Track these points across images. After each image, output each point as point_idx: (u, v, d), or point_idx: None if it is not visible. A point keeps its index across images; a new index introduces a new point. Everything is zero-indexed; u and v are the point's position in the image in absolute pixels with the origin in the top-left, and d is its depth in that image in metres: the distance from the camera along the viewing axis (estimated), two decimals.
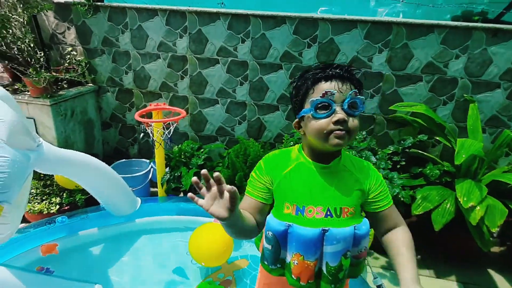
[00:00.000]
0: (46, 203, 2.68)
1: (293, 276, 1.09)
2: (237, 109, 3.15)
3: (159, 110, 2.72)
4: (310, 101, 1.01)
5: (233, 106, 3.15)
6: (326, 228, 1.05)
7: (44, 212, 2.64)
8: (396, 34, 2.67)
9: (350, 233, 1.06)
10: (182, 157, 2.97)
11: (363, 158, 2.52)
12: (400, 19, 2.64)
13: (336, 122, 0.98)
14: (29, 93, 2.82)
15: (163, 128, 2.62)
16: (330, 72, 1.02)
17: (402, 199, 2.31)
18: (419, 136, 2.64)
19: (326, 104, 0.99)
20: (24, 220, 2.76)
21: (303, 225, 1.05)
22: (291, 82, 1.14)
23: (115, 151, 3.57)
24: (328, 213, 1.07)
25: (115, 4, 3.04)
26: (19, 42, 2.77)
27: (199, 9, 2.90)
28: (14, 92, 2.88)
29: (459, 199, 2.17)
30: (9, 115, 1.65)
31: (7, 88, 2.91)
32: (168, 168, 2.88)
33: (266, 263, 1.15)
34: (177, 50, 3.06)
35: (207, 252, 2.09)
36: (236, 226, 0.98)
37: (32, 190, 2.75)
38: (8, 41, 2.72)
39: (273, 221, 1.08)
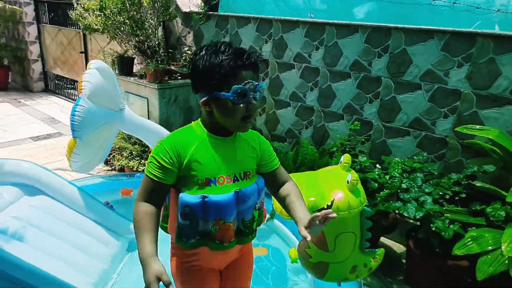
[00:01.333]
0: (137, 162, 3.41)
1: (216, 241, 1.20)
2: (305, 113, 3.27)
3: None
4: (232, 88, 1.07)
5: (302, 110, 3.28)
6: (238, 190, 1.18)
7: (134, 168, 3.38)
8: (480, 47, 2.32)
9: (255, 188, 1.24)
10: None
11: (406, 180, 2.30)
12: (487, 31, 2.29)
13: (249, 110, 1.12)
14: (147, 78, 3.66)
15: None
16: (247, 61, 1.09)
17: (435, 229, 2.00)
18: (484, 167, 2.20)
19: (245, 92, 1.09)
20: (121, 170, 3.61)
21: (217, 193, 1.15)
22: (194, 54, 1.16)
23: None
24: (235, 178, 1.20)
25: (221, 13, 3.63)
26: (148, 40, 3.64)
27: (282, 18, 3.18)
28: (140, 77, 3.78)
29: (502, 245, 1.75)
30: (96, 80, 2.30)
31: (136, 74, 3.84)
32: None
33: (184, 239, 1.20)
34: (262, 54, 3.41)
35: None
36: None
37: (133, 152, 3.54)
38: (142, 39, 3.61)
39: (188, 197, 1.14)
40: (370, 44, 2.76)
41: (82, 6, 3.49)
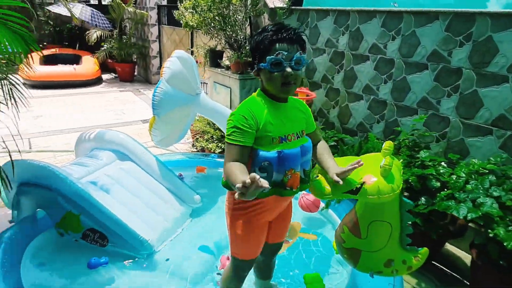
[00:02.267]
0: (215, 145, 3.78)
1: (287, 188, 1.42)
2: (377, 107, 3.14)
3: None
4: (267, 58, 1.31)
5: (375, 103, 3.16)
6: (302, 145, 1.45)
7: (212, 150, 3.75)
8: None
9: (310, 144, 1.51)
10: None
11: (473, 181, 2.06)
12: None
13: (285, 77, 1.32)
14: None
15: None
16: (282, 36, 1.31)
17: (493, 235, 1.76)
18: None
19: (279, 62, 1.31)
20: (201, 151, 4.02)
21: (289, 148, 1.39)
22: (252, 36, 1.44)
23: None
24: (297, 135, 1.46)
25: (302, 7, 3.72)
26: (235, 35, 3.96)
27: (360, 8, 3.12)
28: (227, 69, 4.14)
29: None
30: (175, 67, 2.68)
31: (223, 66, 4.22)
32: None
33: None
34: (338, 46, 3.40)
35: None
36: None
37: (214, 136, 3.92)
38: (230, 34, 3.95)
39: (266, 153, 1.35)
40: (450, 32, 2.52)
41: (184, 6, 4.01)
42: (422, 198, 2.20)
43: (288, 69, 1.32)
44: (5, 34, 1.51)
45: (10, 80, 1.96)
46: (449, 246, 2.61)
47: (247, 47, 4.04)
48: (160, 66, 8.21)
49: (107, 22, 8.42)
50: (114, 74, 9.06)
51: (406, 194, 2.35)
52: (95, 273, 2.08)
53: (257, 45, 1.36)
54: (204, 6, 3.59)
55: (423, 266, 1.77)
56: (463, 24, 2.44)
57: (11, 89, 1.87)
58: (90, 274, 2.07)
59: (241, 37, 4.00)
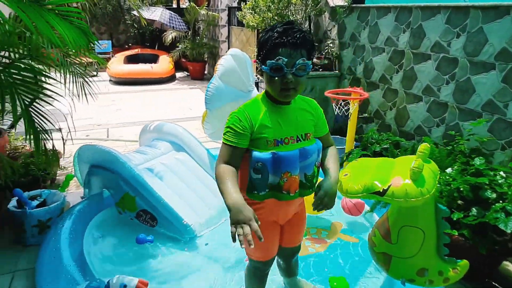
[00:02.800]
0: None
1: (283, 191, 1.38)
2: (438, 109, 2.93)
3: (344, 91, 3.14)
4: (267, 62, 1.26)
5: (435, 105, 2.95)
6: (301, 148, 1.37)
7: None
8: None
9: (315, 147, 1.42)
10: (367, 141, 3.22)
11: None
12: None
13: (285, 83, 1.27)
14: None
15: (341, 105, 3.05)
16: (286, 39, 1.24)
17: None
18: None
19: (279, 67, 1.24)
20: None
21: (285, 150, 1.34)
22: (259, 36, 1.37)
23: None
24: (298, 139, 1.39)
25: (363, 5, 3.62)
26: None
27: (423, 4, 2.94)
28: None
29: None
30: (228, 64, 2.82)
31: None
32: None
33: (255, 192, 1.39)
34: (398, 44, 3.24)
35: None
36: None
37: None
38: None
39: (260, 154, 1.33)
40: None
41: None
42: (473, 209, 2.02)
43: (289, 76, 1.25)
44: (69, 29, 1.71)
45: (84, 78, 2.28)
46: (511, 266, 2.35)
47: None
48: None
49: (183, 24, 9.04)
50: (186, 73, 9.69)
51: (459, 202, 2.18)
52: (143, 248, 2.31)
53: (262, 45, 1.31)
54: (263, 6, 3.70)
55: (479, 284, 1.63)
56: None
57: (83, 84, 2.15)
58: (138, 249, 2.31)
59: None
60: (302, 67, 1.27)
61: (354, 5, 3.74)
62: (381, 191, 1.56)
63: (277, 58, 1.24)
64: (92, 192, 2.76)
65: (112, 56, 8.89)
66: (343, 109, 3.16)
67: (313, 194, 1.46)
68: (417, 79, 3.10)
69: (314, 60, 4.15)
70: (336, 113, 3.21)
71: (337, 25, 4.05)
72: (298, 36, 1.25)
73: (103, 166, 2.65)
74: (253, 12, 3.82)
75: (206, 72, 9.42)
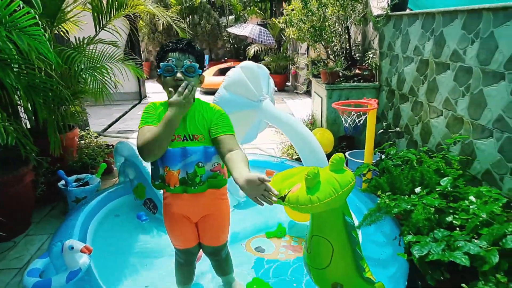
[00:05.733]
0: (293, 151, 3.93)
1: (166, 184, 1.58)
2: (455, 125, 2.60)
3: (356, 102, 3.02)
4: (161, 65, 1.51)
5: (452, 120, 2.62)
6: (183, 147, 1.54)
7: (289, 156, 3.92)
8: None
9: (200, 149, 1.54)
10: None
11: None
12: None
13: (175, 80, 1.49)
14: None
15: (353, 117, 2.95)
16: (175, 46, 1.51)
17: None
18: None
19: (170, 68, 1.49)
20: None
21: (169, 147, 1.51)
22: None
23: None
24: (185, 138, 1.55)
25: (396, 13, 3.40)
26: (331, 45, 3.99)
27: (443, 9, 2.66)
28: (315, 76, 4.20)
29: None
30: (235, 75, 3.07)
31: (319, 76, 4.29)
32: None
33: (153, 180, 1.63)
34: (424, 53, 2.97)
35: None
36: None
37: None
38: (324, 44, 4.02)
39: None
40: None
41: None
42: (431, 233, 1.80)
43: (178, 74, 1.47)
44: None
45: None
46: None
47: (343, 57, 4.00)
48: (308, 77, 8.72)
49: (271, 38, 9.56)
50: None
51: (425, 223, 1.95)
52: (141, 227, 2.78)
53: (158, 54, 1.57)
54: (295, 19, 3.82)
55: None
56: None
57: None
58: (138, 227, 2.78)
59: (336, 47, 3.99)
60: (191, 69, 1.49)
61: (391, 13, 3.54)
62: (283, 196, 1.60)
63: (168, 59, 1.49)
64: (124, 180, 3.33)
65: (207, 69, 9.98)
66: (356, 121, 3.04)
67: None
68: (438, 91, 2.79)
69: (356, 70, 4.04)
70: (344, 126, 3.12)
71: (378, 35, 3.87)
72: (185, 43, 1.52)
73: (128, 159, 3.20)
74: (290, 25, 3.96)
75: (289, 83, 9.70)
